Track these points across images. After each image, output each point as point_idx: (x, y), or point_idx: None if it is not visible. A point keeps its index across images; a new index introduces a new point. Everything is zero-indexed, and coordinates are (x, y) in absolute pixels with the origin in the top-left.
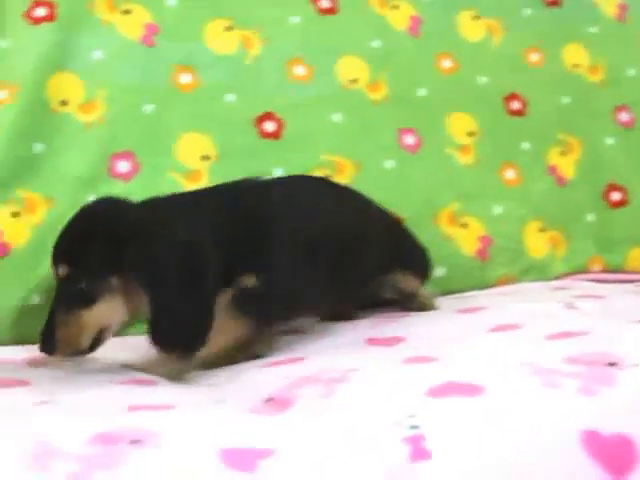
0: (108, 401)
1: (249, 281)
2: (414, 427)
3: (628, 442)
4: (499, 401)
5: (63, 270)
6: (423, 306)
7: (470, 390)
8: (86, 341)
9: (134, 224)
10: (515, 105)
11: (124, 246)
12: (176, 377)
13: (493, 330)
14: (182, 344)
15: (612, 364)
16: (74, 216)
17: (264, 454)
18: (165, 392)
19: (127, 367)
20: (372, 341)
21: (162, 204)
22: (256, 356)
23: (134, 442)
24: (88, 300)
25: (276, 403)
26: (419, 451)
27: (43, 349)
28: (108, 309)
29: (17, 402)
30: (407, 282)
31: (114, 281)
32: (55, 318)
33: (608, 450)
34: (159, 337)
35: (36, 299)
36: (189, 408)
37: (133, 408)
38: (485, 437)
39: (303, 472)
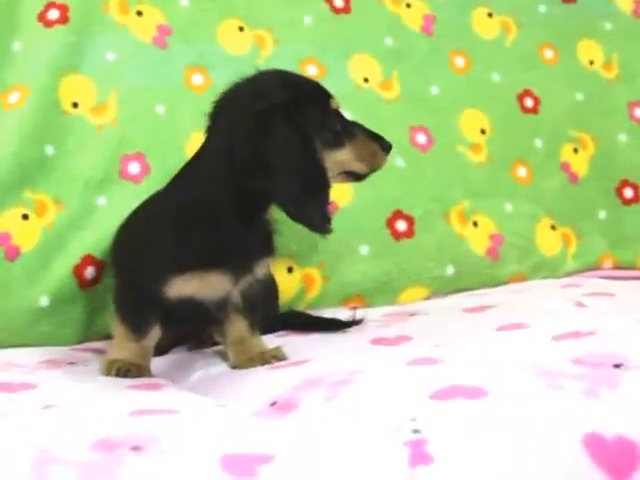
0: (111, 405)
1: None
2: (416, 431)
3: (631, 445)
4: (502, 404)
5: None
6: None
7: (473, 393)
8: None
9: None
10: (528, 103)
11: None
12: None
13: (499, 329)
14: None
15: (617, 365)
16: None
17: (264, 460)
18: (169, 397)
19: None
20: (378, 341)
21: None
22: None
23: (135, 449)
24: None
25: (280, 407)
26: (420, 455)
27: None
28: None
29: (21, 407)
30: None
31: None
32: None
33: (610, 453)
34: None
35: (45, 301)
36: (192, 413)
37: (135, 413)
38: (487, 441)
39: (302, 478)
